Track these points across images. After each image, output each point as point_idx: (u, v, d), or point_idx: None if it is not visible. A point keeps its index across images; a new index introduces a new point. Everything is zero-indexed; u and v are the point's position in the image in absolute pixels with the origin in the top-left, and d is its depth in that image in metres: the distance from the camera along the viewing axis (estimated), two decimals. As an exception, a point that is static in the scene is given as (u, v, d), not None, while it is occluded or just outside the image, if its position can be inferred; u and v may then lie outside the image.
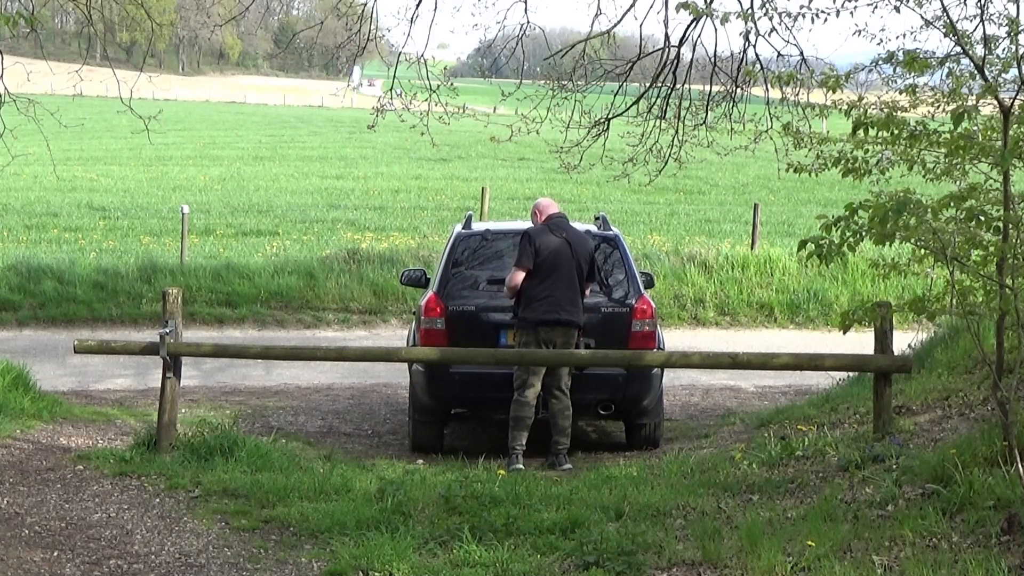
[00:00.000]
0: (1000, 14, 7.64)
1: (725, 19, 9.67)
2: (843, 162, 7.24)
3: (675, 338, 13.73)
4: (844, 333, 6.94)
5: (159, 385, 8.97)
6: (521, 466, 9.03)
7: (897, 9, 8.35)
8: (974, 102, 6.74)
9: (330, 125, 63.88)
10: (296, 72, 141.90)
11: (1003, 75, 7.03)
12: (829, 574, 5.58)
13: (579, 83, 12.75)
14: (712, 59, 12.27)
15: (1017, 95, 6.47)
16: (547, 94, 12.65)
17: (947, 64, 7.22)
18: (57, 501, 7.55)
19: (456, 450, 9.58)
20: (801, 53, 11.49)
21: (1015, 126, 6.48)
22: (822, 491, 7.08)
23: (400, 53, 12.80)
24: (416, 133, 12.45)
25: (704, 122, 12.92)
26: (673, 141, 12.86)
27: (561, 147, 13.21)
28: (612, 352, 9.16)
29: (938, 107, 7.75)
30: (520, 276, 9.18)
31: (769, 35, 11.03)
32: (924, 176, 7.52)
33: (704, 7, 9.47)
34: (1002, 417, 6.31)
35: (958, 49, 7.00)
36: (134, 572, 6.35)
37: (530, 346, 9.18)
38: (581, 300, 9.29)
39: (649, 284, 10.63)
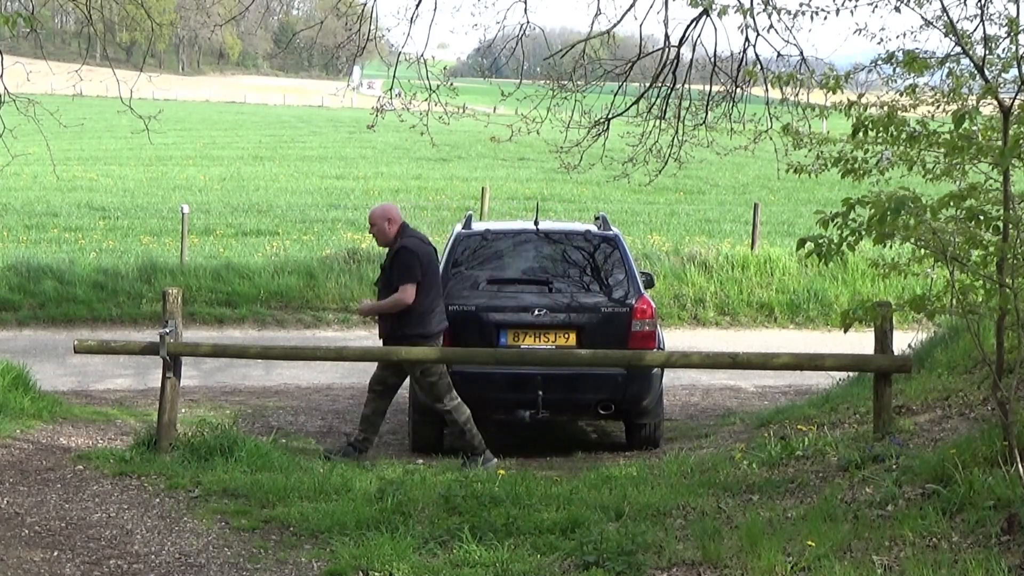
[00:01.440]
0: (1000, 14, 7.66)
1: (723, 12, 9.68)
2: (843, 162, 7.24)
3: (675, 338, 13.74)
4: (844, 332, 6.93)
5: (159, 385, 8.97)
6: (495, 459, 9.09)
7: (897, 9, 8.37)
8: (974, 102, 6.74)
9: (330, 125, 63.90)
10: (296, 72, 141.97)
11: (1003, 75, 7.04)
12: (829, 574, 5.58)
13: (579, 83, 12.75)
14: (712, 59, 12.27)
15: (1017, 95, 6.47)
16: (547, 94, 12.65)
17: (947, 64, 7.23)
18: (57, 501, 7.54)
19: (456, 450, 9.58)
20: (801, 53, 11.50)
21: (1015, 126, 6.47)
22: (822, 491, 7.08)
23: (400, 53, 12.80)
24: (416, 133, 12.45)
25: (704, 122, 12.92)
26: (673, 141, 12.86)
27: (561, 147, 13.21)
28: (612, 352, 9.15)
29: (938, 107, 7.76)
30: (413, 291, 9.08)
31: (768, 32, 11.04)
32: (924, 176, 7.52)
33: (704, 0, 9.49)
34: (1002, 417, 6.31)
35: (958, 49, 7.01)
36: (134, 572, 6.34)
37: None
38: None
39: (649, 284, 10.63)
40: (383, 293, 9.29)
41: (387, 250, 9.39)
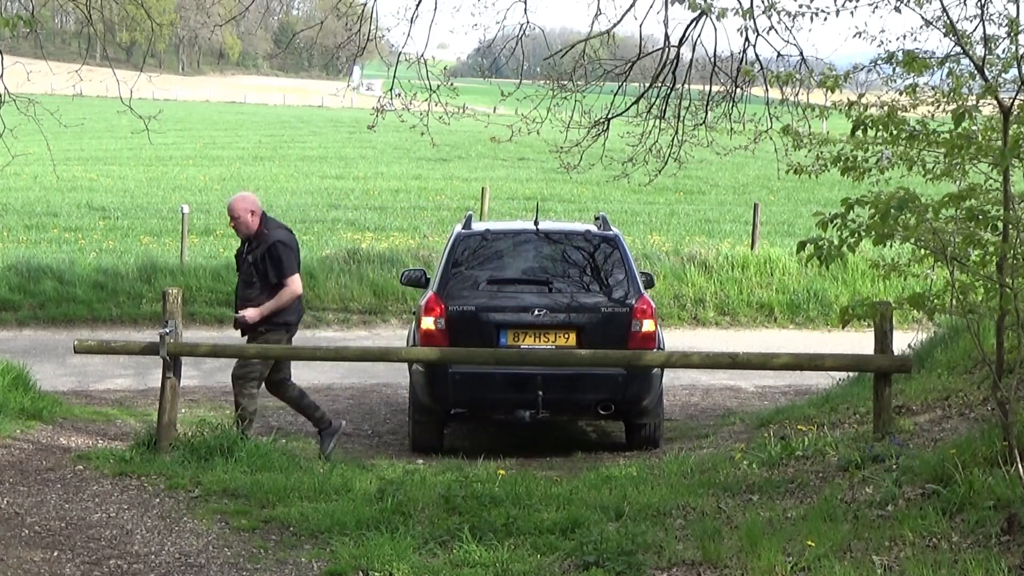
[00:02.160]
0: (1000, 14, 7.67)
1: (722, 14, 9.67)
2: (842, 160, 7.24)
3: (675, 338, 13.73)
4: (843, 327, 6.95)
5: (159, 385, 8.98)
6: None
7: (897, 9, 8.38)
8: (974, 102, 6.74)
9: (330, 125, 63.88)
10: (296, 72, 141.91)
11: (1003, 75, 7.04)
12: (829, 574, 5.58)
13: (579, 83, 12.75)
14: (712, 59, 12.28)
15: (1017, 95, 6.47)
16: (547, 94, 12.66)
17: (947, 64, 7.23)
18: (57, 501, 7.54)
19: (456, 450, 9.59)
20: (801, 53, 11.50)
21: (1015, 126, 6.48)
22: (822, 491, 7.08)
23: (400, 53, 12.81)
24: (416, 133, 12.46)
25: (704, 122, 12.93)
26: (673, 141, 12.87)
27: (561, 147, 13.21)
28: (612, 352, 9.15)
29: (938, 107, 7.75)
30: (300, 281, 9.24)
31: (768, 33, 11.04)
32: (924, 176, 7.52)
33: (703, 3, 9.49)
34: (1002, 417, 6.31)
35: (958, 49, 7.01)
36: (134, 572, 6.35)
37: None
38: None
39: (649, 284, 10.63)
40: (251, 286, 9.27)
41: (248, 242, 9.36)
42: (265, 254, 9.16)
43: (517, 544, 6.57)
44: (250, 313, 9.18)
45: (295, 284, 9.20)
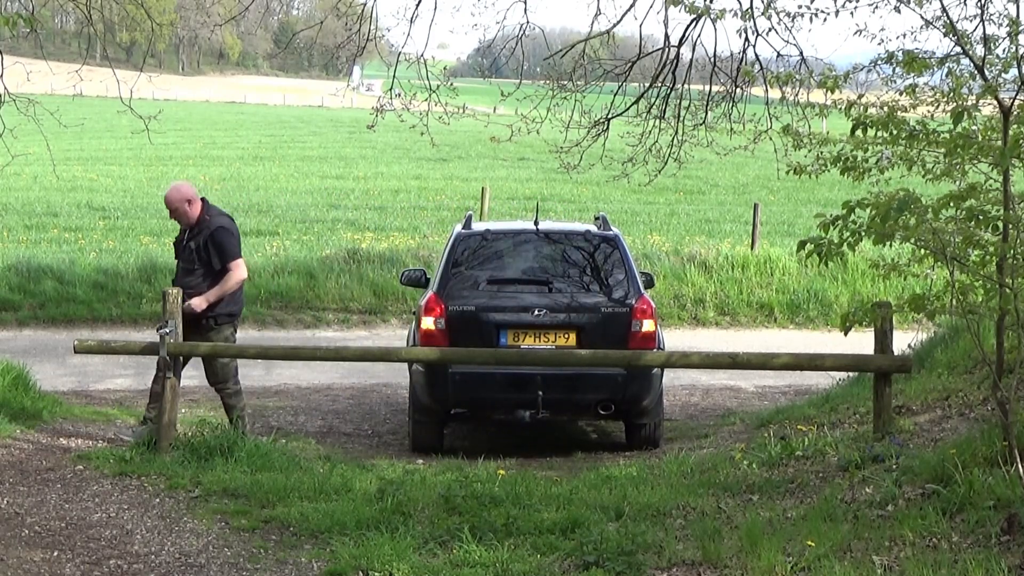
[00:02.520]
0: (1000, 14, 7.66)
1: (720, 16, 9.68)
2: (842, 160, 7.24)
3: (675, 338, 13.74)
4: (845, 335, 6.94)
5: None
6: None
7: (897, 9, 8.37)
8: (974, 102, 6.74)
9: (330, 125, 63.88)
10: (296, 72, 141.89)
11: (1003, 75, 7.04)
12: (829, 574, 5.58)
13: (579, 83, 12.76)
14: (712, 59, 12.29)
15: (1017, 95, 6.47)
16: (547, 94, 12.67)
17: (947, 64, 7.22)
18: (57, 501, 7.54)
19: (456, 450, 9.59)
20: (801, 53, 11.51)
21: (1015, 126, 6.47)
22: (822, 491, 7.08)
23: (400, 53, 12.82)
24: (416, 133, 12.46)
25: (704, 122, 12.94)
26: (673, 141, 12.88)
27: (561, 147, 13.22)
28: (612, 352, 9.15)
29: (938, 107, 7.75)
30: (244, 265, 9.27)
31: (768, 34, 11.06)
32: (924, 176, 7.52)
33: (701, 5, 9.50)
34: (1002, 417, 6.31)
35: (958, 49, 7.01)
36: (134, 572, 6.34)
37: (232, 339, 9.34)
38: None
39: (649, 284, 10.63)
40: (192, 273, 9.19)
41: (188, 229, 9.27)
42: (208, 240, 9.15)
43: (517, 544, 6.57)
44: (196, 302, 9.07)
45: (240, 269, 9.19)
